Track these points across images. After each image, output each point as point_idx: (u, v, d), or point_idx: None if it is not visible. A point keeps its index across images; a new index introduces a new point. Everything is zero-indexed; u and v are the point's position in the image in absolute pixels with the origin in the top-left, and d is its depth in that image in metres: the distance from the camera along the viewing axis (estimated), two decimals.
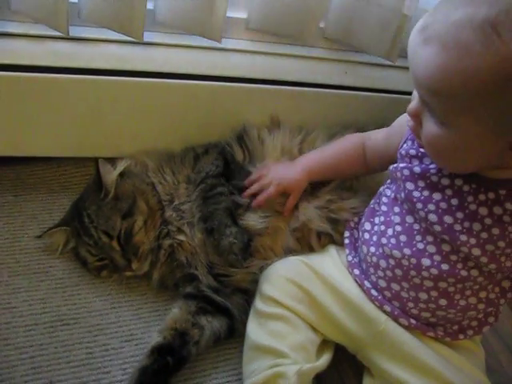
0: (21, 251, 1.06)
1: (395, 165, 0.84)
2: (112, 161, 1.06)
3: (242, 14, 1.11)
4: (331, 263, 0.95)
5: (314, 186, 1.02)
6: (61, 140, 1.14)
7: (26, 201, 1.14)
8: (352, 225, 0.99)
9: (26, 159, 1.18)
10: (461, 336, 0.86)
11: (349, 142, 1.00)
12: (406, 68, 1.09)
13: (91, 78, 1.03)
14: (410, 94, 1.10)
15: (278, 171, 1.01)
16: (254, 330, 0.90)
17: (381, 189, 0.91)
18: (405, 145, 0.84)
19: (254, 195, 1.00)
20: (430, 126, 0.70)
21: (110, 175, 1.02)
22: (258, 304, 0.92)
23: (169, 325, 0.95)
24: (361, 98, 1.15)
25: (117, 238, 0.99)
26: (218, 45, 1.09)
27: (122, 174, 1.04)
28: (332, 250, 0.98)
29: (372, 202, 0.93)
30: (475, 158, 0.71)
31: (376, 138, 0.97)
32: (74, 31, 1.03)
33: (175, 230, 1.02)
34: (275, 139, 1.07)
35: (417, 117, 0.72)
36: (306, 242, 1.00)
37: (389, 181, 0.89)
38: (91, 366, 0.93)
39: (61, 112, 1.08)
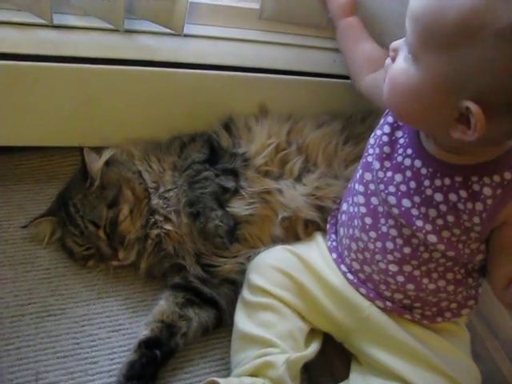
0: (6, 242, 1.05)
1: (374, 135, 0.85)
2: (98, 150, 1.05)
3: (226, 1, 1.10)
4: (317, 251, 0.95)
5: (300, 173, 1.02)
6: (47, 129, 1.12)
7: (11, 191, 1.13)
8: (334, 207, 1.00)
9: (11, 149, 1.16)
10: (439, 319, 0.87)
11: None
12: None
13: (76, 67, 1.01)
14: None
15: None
16: (242, 320, 0.89)
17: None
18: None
19: None
20: (400, 60, 0.69)
21: (96, 164, 1.01)
22: (246, 294, 0.92)
23: (156, 317, 0.94)
24: (349, 86, 1.14)
25: (103, 227, 0.98)
26: (205, 32, 1.08)
27: (107, 163, 1.03)
28: (318, 237, 0.98)
29: (350, 181, 0.93)
30: (422, 112, 0.69)
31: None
32: (59, 19, 1.01)
33: (162, 219, 1.01)
34: (262, 126, 1.07)
35: (394, 52, 0.72)
36: (293, 231, 1.00)
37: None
38: (78, 357, 0.92)
39: (46, 101, 1.06)
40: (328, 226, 0.98)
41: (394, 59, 0.72)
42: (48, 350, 0.92)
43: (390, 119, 0.82)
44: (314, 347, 0.90)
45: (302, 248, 0.95)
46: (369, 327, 0.87)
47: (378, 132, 0.84)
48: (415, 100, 0.68)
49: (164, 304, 0.96)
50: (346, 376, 0.92)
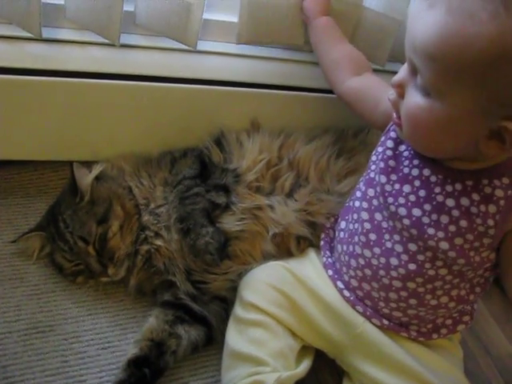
0: None
1: (376, 152, 0.84)
2: (88, 165, 1.04)
3: (219, 17, 1.10)
4: (311, 267, 0.95)
5: (292, 189, 1.01)
6: (37, 143, 1.12)
7: (1, 205, 1.12)
8: (328, 225, 0.99)
9: (1, 163, 1.15)
10: (434, 335, 0.86)
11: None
12: (392, 72, 1.08)
13: (66, 81, 1.01)
14: None
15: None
16: (234, 337, 0.88)
17: (358, 184, 0.90)
18: (392, 127, 0.83)
19: None
20: (415, 97, 0.68)
21: (86, 179, 1.00)
22: (238, 310, 0.91)
23: (145, 335, 0.93)
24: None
25: (92, 243, 0.98)
26: (199, 47, 1.07)
27: (98, 178, 1.02)
28: (311, 253, 0.98)
29: (348, 199, 0.93)
30: (452, 140, 0.69)
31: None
32: (48, 33, 1.01)
33: (152, 235, 1.00)
34: (254, 142, 1.06)
35: (400, 88, 0.71)
36: (285, 247, 0.99)
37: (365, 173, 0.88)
38: (66, 375, 0.91)
39: (36, 115, 1.06)
40: (322, 242, 0.97)
41: (401, 95, 0.71)
42: (35, 368, 0.90)
43: (392, 134, 0.82)
44: (305, 365, 0.88)
45: (295, 264, 0.95)
46: (362, 343, 0.86)
47: (380, 148, 0.84)
48: (445, 131, 0.68)
49: (154, 322, 0.95)
50: None
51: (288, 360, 0.86)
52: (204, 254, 0.95)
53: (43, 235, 1.02)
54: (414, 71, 0.68)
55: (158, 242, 1.00)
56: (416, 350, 0.85)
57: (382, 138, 0.85)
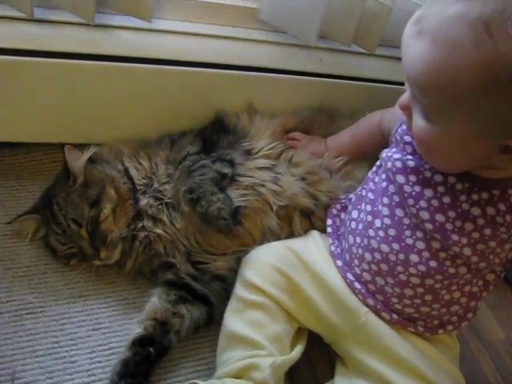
0: None
1: (388, 153, 0.83)
2: (83, 148, 1.03)
3: None
4: (316, 249, 0.93)
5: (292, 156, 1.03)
6: (29, 125, 1.11)
7: None
8: (334, 212, 0.98)
9: None
10: (440, 331, 0.86)
11: (369, 123, 1.01)
12: (381, 56, 1.08)
13: (58, 62, 1.00)
14: (384, 82, 1.11)
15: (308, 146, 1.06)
16: (232, 318, 0.88)
17: (369, 173, 0.89)
18: (399, 129, 0.83)
19: None
20: (419, 121, 0.68)
21: (78, 162, 0.99)
22: (239, 290, 0.90)
23: (149, 315, 0.93)
24: (335, 85, 1.14)
25: (85, 226, 0.97)
26: (191, 29, 1.07)
27: (92, 161, 1.02)
28: (316, 235, 0.96)
29: (359, 188, 0.92)
30: (462, 158, 0.69)
31: (386, 116, 0.95)
32: (40, 13, 0.99)
33: (151, 224, 0.99)
34: (264, 123, 1.08)
35: (407, 109, 0.71)
36: (288, 223, 0.99)
37: (377, 166, 0.88)
38: (57, 356, 0.90)
39: (29, 96, 1.05)
40: (330, 229, 0.95)
41: (410, 117, 0.71)
42: (26, 349, 0.90)
43: (407, 138, 0.81)
44: (298, 349, 0.88)
45: (299, 245, 0.93)
46: (363, 333, 0.86)
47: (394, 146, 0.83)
48: (453, 151, 0.69)
49: (156, 301, 0.95)
50: (329, 377, 0.91)
51: (284, 345, 0.86)
52: (217, 219, 0.93)
53: (38, 218, 1.01)
54: (414, 96, 0.68)
55: (158, 230, 0.99)
56: (416, 343, 0.85)
57: (402, 128, 0.83)
